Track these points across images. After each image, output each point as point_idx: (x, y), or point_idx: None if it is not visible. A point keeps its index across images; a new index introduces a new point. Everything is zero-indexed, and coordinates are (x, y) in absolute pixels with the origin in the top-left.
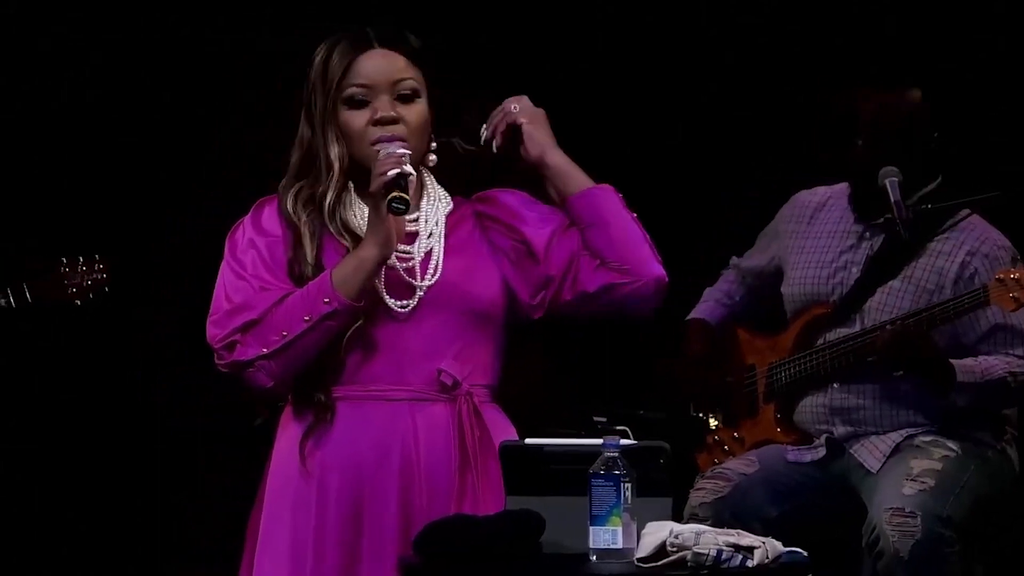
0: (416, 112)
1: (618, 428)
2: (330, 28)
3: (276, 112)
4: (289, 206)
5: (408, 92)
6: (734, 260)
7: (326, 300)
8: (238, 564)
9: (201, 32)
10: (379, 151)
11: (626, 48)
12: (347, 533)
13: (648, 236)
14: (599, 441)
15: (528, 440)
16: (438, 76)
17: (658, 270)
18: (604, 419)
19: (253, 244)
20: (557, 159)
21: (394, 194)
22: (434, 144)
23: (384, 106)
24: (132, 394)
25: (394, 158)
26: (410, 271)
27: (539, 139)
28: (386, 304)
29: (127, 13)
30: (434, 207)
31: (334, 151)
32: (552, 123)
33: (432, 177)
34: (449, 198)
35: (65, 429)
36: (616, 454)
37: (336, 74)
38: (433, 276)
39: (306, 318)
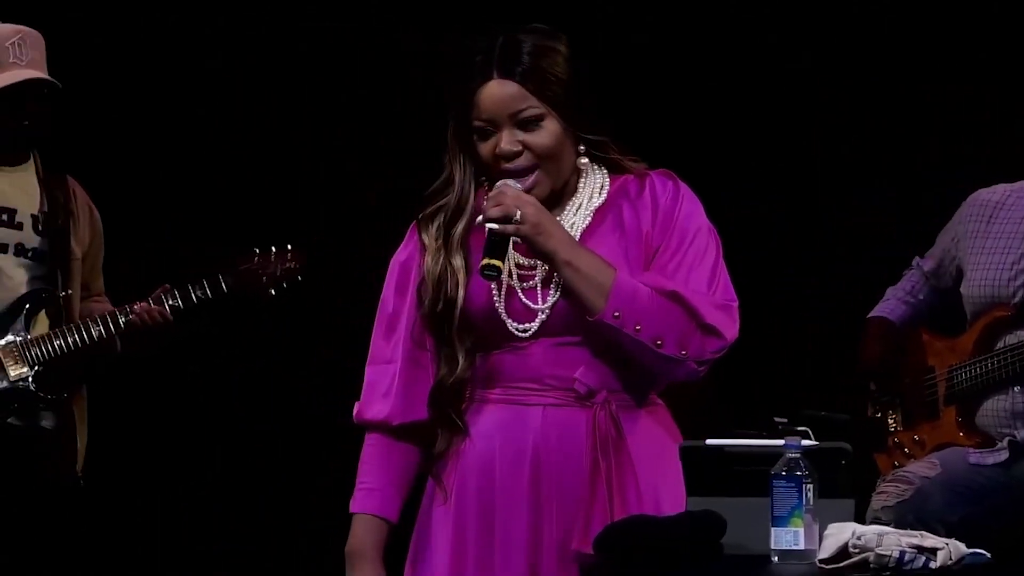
0: (541, 137)
1: (799, 429)
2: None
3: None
4: (422, 226)
5: (528, 120)
6: (916, 260)
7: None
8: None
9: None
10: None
11: (625, 47)
12: (482, 535)
13: (665, 333)
14: (781, 442)
15: (709, 441)
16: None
17: (683, 371)
18: (785, 420)
19: (393, 267)
20: (562, 272)
21: (484, 262)
22: (582, 148)
23: (506, 138)
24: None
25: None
26: (530, 292)
27: (541, 249)
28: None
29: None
30: (575, 213)
31: (459, 174)
32: None
33: (588, 172)
34: (606, 188)
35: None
36: (798, 455)
37: (463, 105)
38: (555, 294)
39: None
